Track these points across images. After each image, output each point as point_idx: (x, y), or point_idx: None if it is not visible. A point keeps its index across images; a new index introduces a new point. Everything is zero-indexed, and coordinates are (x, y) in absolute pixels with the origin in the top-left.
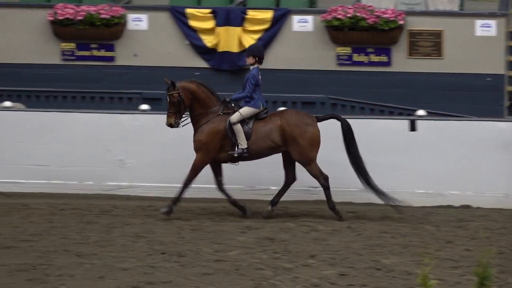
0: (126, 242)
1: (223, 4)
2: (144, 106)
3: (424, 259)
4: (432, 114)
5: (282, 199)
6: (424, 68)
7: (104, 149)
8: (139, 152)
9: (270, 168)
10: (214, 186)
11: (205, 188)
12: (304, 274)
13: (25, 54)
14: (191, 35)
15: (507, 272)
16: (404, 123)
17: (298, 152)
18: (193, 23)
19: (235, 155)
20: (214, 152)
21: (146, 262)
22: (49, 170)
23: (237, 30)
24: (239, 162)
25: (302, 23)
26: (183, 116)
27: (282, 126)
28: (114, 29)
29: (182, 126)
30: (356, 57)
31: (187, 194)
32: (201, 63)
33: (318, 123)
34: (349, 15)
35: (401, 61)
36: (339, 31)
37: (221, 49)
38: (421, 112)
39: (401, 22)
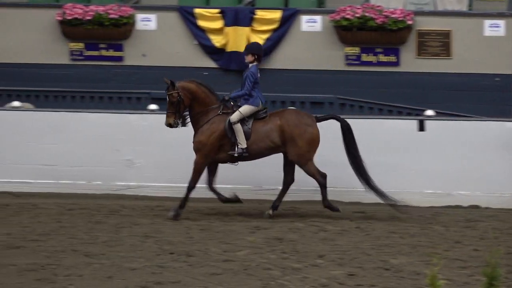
0: (135, 242)
1: (232, 4)
2: (153, 106)
3: (432, 259)
4: (441, 114)
5: (289, 199)
6: (432, 68)
7: (112, 149)
8: (147, 152)
9: (277, 168)
10: (221, 186)
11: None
12: (313, 274)
13: (34, 54)
14: (200, 35)
15: None
16: (413, 123)
17: (295, 152)
18: (201, 23)
19: (235, 155)
20: (214, 153)
21: (155, 262)
22: (57, 170)
23: (246, 30)
24: (238, 162)
25: (310, 23)
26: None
27: (281, 126)
28: (122, 29)
29: (182, 126)
30: (365, 57)
31: (196, 194)
32: (210, 63)
33: (318, 123)
34: (357, 15)
35: (410, 61)
36: (348, 31)
37: (229, 49)
38: (429, 112)
39: (409, 22)
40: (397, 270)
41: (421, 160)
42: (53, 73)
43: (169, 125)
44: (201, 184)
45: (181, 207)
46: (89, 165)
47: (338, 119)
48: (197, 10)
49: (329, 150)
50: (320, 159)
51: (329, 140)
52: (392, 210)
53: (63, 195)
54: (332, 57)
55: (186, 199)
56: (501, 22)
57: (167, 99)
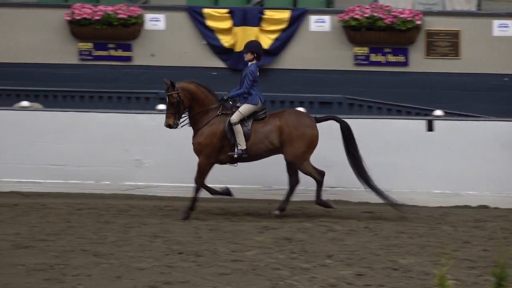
0: (143, 242)
1: (240, 4)
2: (161, 106)
3: (441, 259)
4: (450, 114)
5: (298, 199)
6: (441, 68)
7: (121, 149)
8: (156, 152)
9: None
10: (231, 185)
11: (222, 189)
12: (321, 274)
13: (43, 54)
14: (208, 35)
15: None
16: (422, 123)
17: (291, 153)
18: (210, 23)
19: (235, 156)
20: (216, 153)
21: (163, 262)
22: (66, 170)
23: (254, 30)
24: (238, 163)
25: (319, 23)
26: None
27: (281, 127)
28: (131, 29)
29: (181, 127)
30: (374, 57)
31: (205, 194)
32: (218, 63)
33: (318, 124)
34: (366, 15)
35: (419, 61)
36: (357, 31)
37: (238, 49)
38: (438, 112)
39: (418, 22)
40: (405, 270)
41: (430, 160)
42: (62, 73)
43: (169, 126)
44: (211, 184)
45: (190, 209)
46: (98, 165)
47: (337, 120)
48: (206, 10)
49: (339, 151)
50: (329, 160)
51: (340, 140)
52: (393, 210)
53: (72, 195)
54: (341, 57)
55: (195, 200)
56: (510, 22)
57: (167, 99)
